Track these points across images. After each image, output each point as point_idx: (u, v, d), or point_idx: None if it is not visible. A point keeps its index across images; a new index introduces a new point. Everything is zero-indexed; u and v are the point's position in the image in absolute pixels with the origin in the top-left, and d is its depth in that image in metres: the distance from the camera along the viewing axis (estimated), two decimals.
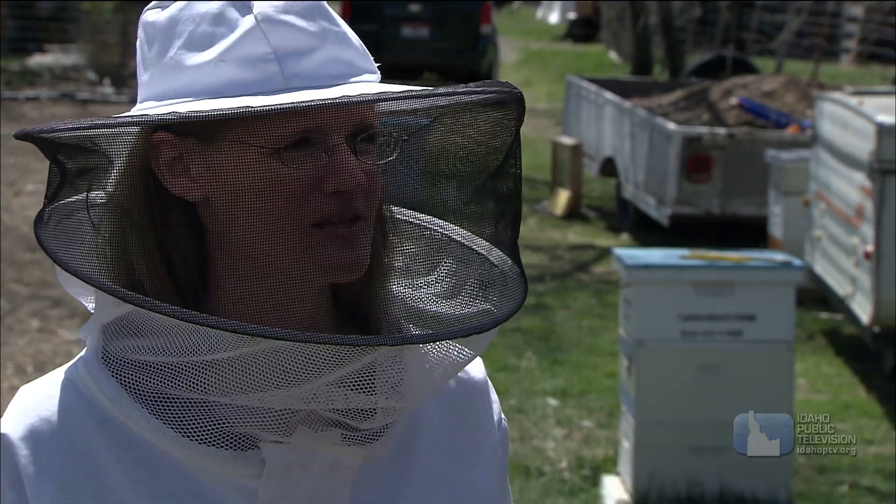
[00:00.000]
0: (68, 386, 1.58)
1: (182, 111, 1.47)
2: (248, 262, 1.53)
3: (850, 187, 8.39)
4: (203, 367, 1.50)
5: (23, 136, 1.52)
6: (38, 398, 1.58)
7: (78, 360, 1.60)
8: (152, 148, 1.54)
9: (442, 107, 1.59)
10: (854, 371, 8.47)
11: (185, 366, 1.50)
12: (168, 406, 1.53)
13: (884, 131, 7.94)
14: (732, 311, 6.20)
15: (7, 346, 8.34)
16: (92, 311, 1.60)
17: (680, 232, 11.70)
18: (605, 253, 11.35)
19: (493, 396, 1.73)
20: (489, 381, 1.74)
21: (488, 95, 1.57)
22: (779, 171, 10.08)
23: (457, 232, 1.65)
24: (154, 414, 1.53)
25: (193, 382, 1.50)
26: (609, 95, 13.65)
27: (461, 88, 1.54)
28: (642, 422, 6.19)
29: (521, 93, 1.57)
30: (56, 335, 8.65)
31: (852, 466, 6.73)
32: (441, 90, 1.51)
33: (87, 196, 1.57)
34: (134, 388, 1.54)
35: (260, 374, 1.49)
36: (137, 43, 1.59)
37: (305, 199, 1.50)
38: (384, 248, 1.61)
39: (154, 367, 1.52)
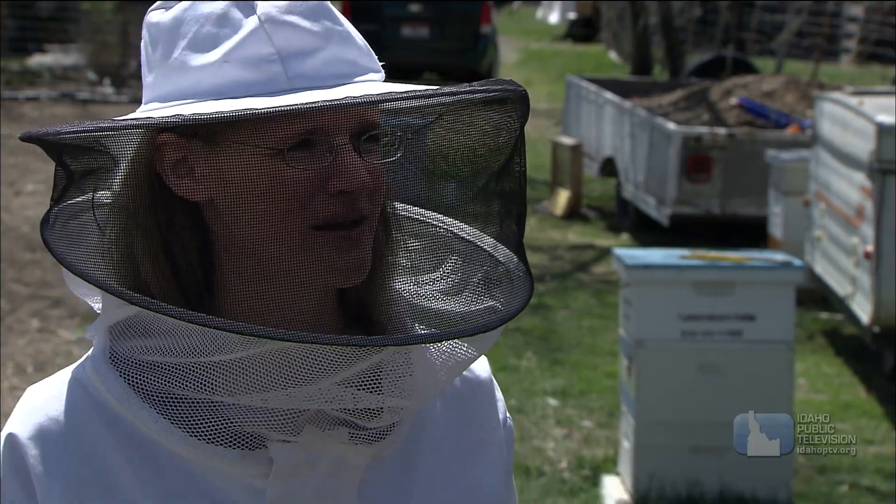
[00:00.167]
0: (76, 386, 1.58)
1: (186, 114, 1.47)
2: (253, 262, 1.54)
3: (850, 187, 8.39)
4: (210, 368, 1.50)
5: (28, 139, 1.52)
6: (46, 398, 1.59)
7: (85, 360, 1.60)
8: (157, 149, 1.54)
9: (446, 105, 1.59)
10: (854, 371, 8.47)
11: (193, 366, 1.51)
12: (176, 406, 1.53)
13: (884, 131, 7.94)
14: (732, 311, 6.20)
15: (7, 346, 8.34)
16: (98, 312, 1.60)
17: (680, 232, 11.70)
18: (605, 253, 11.35)
19: (499, 395, 1.74)
20: (494, 380, 1.74)
21: (492, 94, 1.57)
22: (779, 171, 10.08)
23: (462, 229, 1.66)
24: (162, 414, 1.54)
25: (201, 383, 1.51)
26: (609, 95, 13.65)
27: (465, 88, 1.54)
28: (642, 422, 6.20)
29: (525, 90, 1.57)
30: (56, 335, 8.65)
31: (852, 466, 6.73)
32: (445, 89, 1.51)
33: (93, 197, 1.57)
34: (142, 388, 1.55)
35: (267, 375, 1.49)
36: (142, 44, 1.59)
37: (310, 199, 1.51)
38: (388, 247, 1.61)
39: (161, 368, 1.53)
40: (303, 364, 1.48)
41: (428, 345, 1.55)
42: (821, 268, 8.98)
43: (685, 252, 6.53)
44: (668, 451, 6.20)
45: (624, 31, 24.40)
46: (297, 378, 1.49)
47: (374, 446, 1.57)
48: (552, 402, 7.63)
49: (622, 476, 6.43)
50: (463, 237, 1.65)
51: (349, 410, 1.53)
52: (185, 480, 1.55)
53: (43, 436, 1.56)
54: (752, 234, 11.06)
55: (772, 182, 10.28)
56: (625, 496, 6.30)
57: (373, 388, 1.52)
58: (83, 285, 1.55)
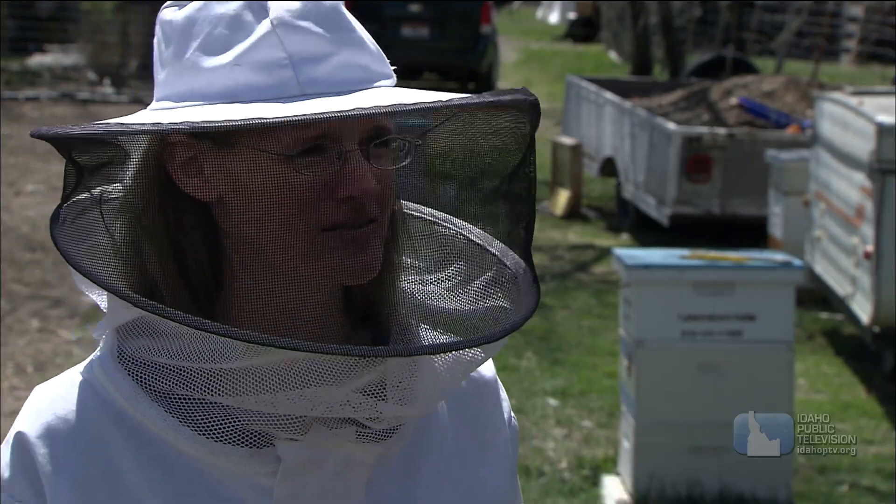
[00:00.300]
0: (84, 385, 1.59)
1: (194, 120, 1.47)
2: (262, 262, 1.54)
3: (850, 187, 8.39)
4: (217, 373, 1.51)
5: (39, 136, 1.53)
6: (54, 397, 1.59)
7: (93, 359, 1.61)
8: (167, 148, 1.55)
9: (456, 115, 1.59)
10: (854, 371, 8.47)
11: (199, 371, 1.51)
12: (183, 404, 1.54)
13: (884, 131, 7.94)
14: (732, 311, 6.20)
15: (7, 346, 8.34)
16: (104, 309, 1.60)
17: (680, 232, 11.70)
18: (605, 253, 11.35)
19: (503, 395, 1.74)
20: (499, 380, 1.75)
21: (502, 103, 1.56)
22: (779, 171, 10.08)
23: (472, 231, 1.66)
24: (170, 412, 1.54)
25: (207, 386, 1.52)
26: (609, 95, 13.65)
27: (475, 98, 1.53)
28: (642, 422, 6.20)
29: (535, 98, 1.56)
30: (56, 335, 8.65)
31: (852, 466, 6.73)
32: (455, 100, 1.50)
33: (102, 196, 1.57)
34: (150, 387, 1.55)
35: (274, 381, 1.49)
36: (154, 40, 1.60)
37: (317, 205, 1.51)
38: (396, 248, 1.62)
39: (169, 369, 1.53)
40: (309, 371, 1.49)
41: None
42: (821, 268, 8.98)
43: (685, 252, 6.53)
44: (668, 451, 6.20)
45: (624, 31, 24.41)
46: (303, 385, 1.49)
47: (381, 445, 1.57)
48: (552, 402, 7.63)
49: (622, 476, 6.43)
50: (473, 241, 1.66)
51: (355, 415, 1.54)
52: (193, 479, 1.55)
53: (51, 435, 1.57)
54: (752, 234, 11.06)
55: (772, 182, 10.28)
56: (625, 496, 6.30)
57: (377, 394, 1.52)
58: (90, 283, 1.55)
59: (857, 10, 24.05)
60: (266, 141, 1.50)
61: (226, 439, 1.54)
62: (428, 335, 1.60)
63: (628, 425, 6.30)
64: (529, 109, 1.58)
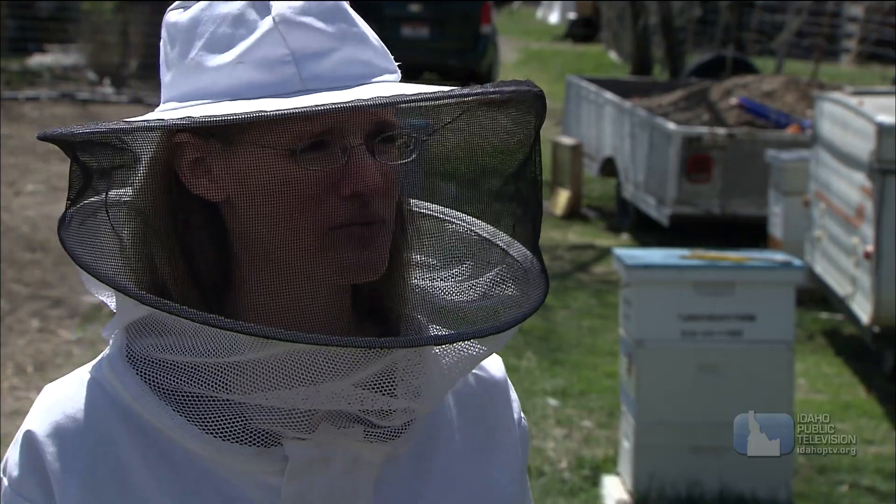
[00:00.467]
0: (93, 384, 1.60)
1: (197, 116, 1.48)
2: (269, 261, 1.54)
3: (850, 187, 8.39)
4: (225, 368, 1.51)
5: (45, 138, 1.53)
6: (63, 396, 1.60)
7: (102, 358, 1.62)
8: (175, 149, 1.55)
9: (458, 107, 1.59)
10: (854, 371, 8.47)
11: (207, 366, 1.52)
12: (191, 403, 1.54)
13: (884, 131, 7.94)
14: (732, 311, 6.20)
15: (7, 346, 8.34)
16: (113, 310, 1.61)
17: (680, 232, 11.70)
18: (605, 253, 11.35)
19: (513, 396, 1.75)
20: (509, 381, 1.75)
21: (505, 95, 1.56)
22: (779, 171, 10.08)
23: (479, 226, 1.66)
24: (177, 411, 1.55)
25: (215, 382, 1.52)
26: (609, 95, 13.65)
27: (478, 89, 1.53)
28: (642, 422, 6.20)
29: (541, 90, 1.57)
30: (56, 335, 8.65)
31: (852, 466, 6.73)
32: (457, 91, 1.51)
33: (109, 196, 1.58)
34: (158, 386, 1.55)
35: (281, 376, 1.50)
36: (160, 43, 1.60)
37: (322, 200, 1.51)
38: (403, 242, 1.62)
39: (176, 366, 1.54)
40: (316, 364, 1.49)
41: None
42: (821, 268, 8.98)
43: (685, 252, 6.53)
44: (668, 451, 6.20)
45: (624, 31, 24.41)
46: (311, 378, 1.49)
47: (389, 444, 1.57)
48: (552, 402, 7.63)
49: (622, 476, 6.43)
50: (480, 235, 1.66)
51: (364, 409, 1.54)
52: (201, 477, 1.56)
53: (60, 433, 1.57)
54: (752, 234, 11.06)
55: (772, 182, 10.29)
56: (625, 496, 6.30)
57: (387, 390, 1.52)
58: (98, 284, 1.56)
59: (857, 10, 24.05)
60: (268, 135, 1.50)
61: (233, 438, 1.54)
62: (436, 330, 1.60)
63: (628, 425, 6.30)
64: (535, 101, 1.58)
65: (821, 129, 9.26)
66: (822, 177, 9.08)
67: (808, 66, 18.40)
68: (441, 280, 1.64)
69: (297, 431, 1.54)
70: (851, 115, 8.55)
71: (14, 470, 1.58)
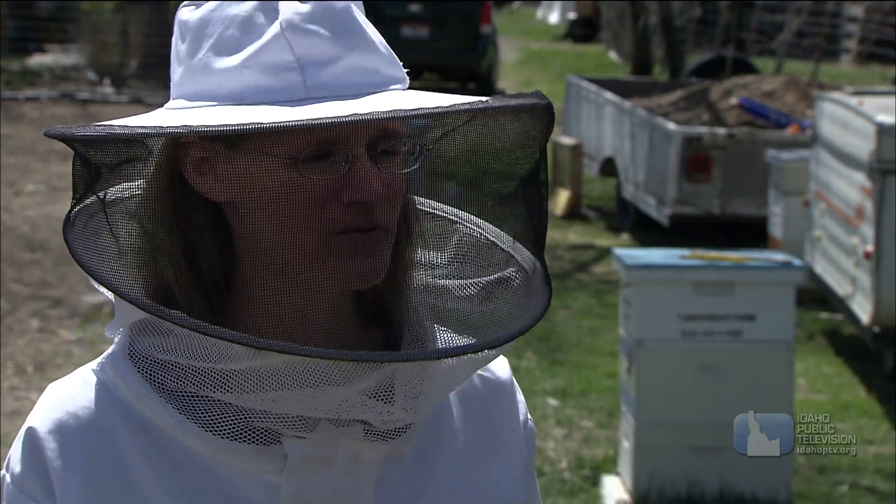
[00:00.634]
0: (96, 382, 1.60)
1: (193, 124, 1.48)
2: (270, 265, 1.55)
3: (850, 187, 8.39)
4: (222, 372, 1.51)
5: (52, 136, 1.53)
6: (66, 394, 1.61)
7: (105, 356, 1.62)
8: (180, 148, 1.55)
9: (462, 118, 1.58)
10: (854, 371, 8.47)
11: (205, 369, 1.52)
12: (191, 402, 1.55)
13: (884, 131, 7.94)
14: (732, 311, 6.20)
15: (7, 346, 8.34)
16: (115, 307, 1.61)
17: (680, 232, 11.70)
18: (605, 253, 11.35)
19: (519, 397, 1.74)
20: (515, 382, 1.74)
21: (511, 108, 1.55)
22: (779, 171, 10.08)
23: (485, 230, 1.66)
24: (178, 409, 1.55)
25: (214, 384, 1.52)
26: (609, 95, 13.65)
27: (481, 102, 1.51)
28: (642, 422, 6.20)
29: (548, 102, 1.56)
30: (56, 335, 8.65)
31: (852, 466, 6.73)
32: (459, 104, 1.49)
33: (115, 197, 1.58)
34: (159, 384, 1.56)
35: (277, 382, 1.50)
36: (172, 39, 1.61)
37: (323, 208, 1.51)
38: (409, 246, 1.62)
39: (177, 367, 1.54)
40: (313, 374, 1.49)
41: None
42: (821, 268, 8.98)
43: (685, 252, 6.53)
44: (668, 451, 6.20)
45: (624, 31, 24.40)
46: (308, 386, 1.49)
47: (389, 443, 1.57)
48: (552, 402, 7.63)
49: (622, 476, 6.43)
50: (485, 239, 1.65)
51: (361, 417, 1.54)
52: (202, 476, 1.56)
53: (62, 431, 1.58)
54: (752, 234, 11.06)
55: (772, 182, 10.29)
56: (625, 496, 6.30)
57: (385, 398, 1.53)
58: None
59: (857, 10, 24.05)
60: (271, 144, 1.50)
61: (233, 436, 1.55)
62: (441, 336, 1.60)
63: (628, 425, 6.30)
64: (542, 112, 1.57)
65: (821, 129, 9.26)
66: (822, 177, 9.08)
67: (808, 66, 18.40)
68: (446, 284, 1.63)
69: (296, 430, 1.54)
70: (851, 115, 8.55)
71: (16, 466, 1.59)
